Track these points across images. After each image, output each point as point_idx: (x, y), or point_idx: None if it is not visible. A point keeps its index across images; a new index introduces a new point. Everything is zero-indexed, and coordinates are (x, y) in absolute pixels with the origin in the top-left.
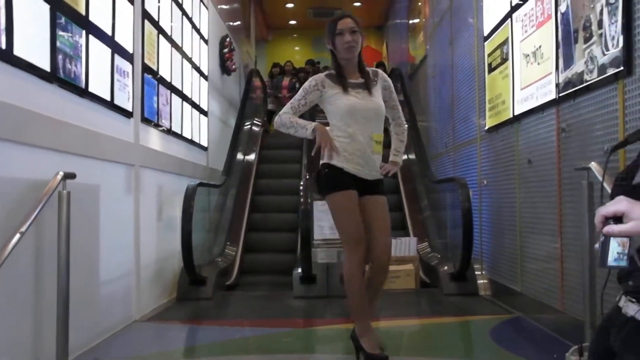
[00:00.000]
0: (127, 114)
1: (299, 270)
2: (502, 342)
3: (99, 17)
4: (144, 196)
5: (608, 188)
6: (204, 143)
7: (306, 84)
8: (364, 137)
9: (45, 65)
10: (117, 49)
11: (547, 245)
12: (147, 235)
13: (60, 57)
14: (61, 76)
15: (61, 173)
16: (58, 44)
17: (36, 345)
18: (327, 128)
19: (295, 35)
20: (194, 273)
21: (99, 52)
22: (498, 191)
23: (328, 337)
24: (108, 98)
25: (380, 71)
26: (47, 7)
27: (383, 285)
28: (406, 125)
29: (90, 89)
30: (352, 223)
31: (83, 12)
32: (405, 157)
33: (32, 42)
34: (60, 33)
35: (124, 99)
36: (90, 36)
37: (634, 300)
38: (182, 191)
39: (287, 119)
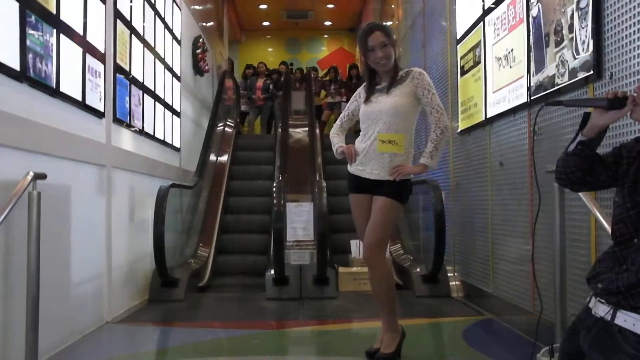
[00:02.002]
0: (99, 114)
1: (272, 272)
2: (474, 343)
3: (70, 15)
4: (115, 197)
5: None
6: (177, 144)
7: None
8: (369, 137)
9: (15, 64)
10: (88, 49)
11: (518, 247)
12: (118, 236)
13: (30, 56)
14: (31, 75)
15: (31, 173)
16: (28, 42)
17: (4, 347)
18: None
19: (268, 36)
20: (166, 275)
21: (70, 51)
22: (470, 193)
23: (301, 339)
24: (79, 98)
25: (415, 70)
26: (16, 5)
27: (381, 287)
28: (442, 126)
29: (62, 89)
30: (358, 226)
31: (54, 11)
32: None
33: (1, 40)
34: (30, 32)
35: (96, 99)
36: (61, 35)
37: (603, 301)
38: (155, 192)
39: (331, 136)
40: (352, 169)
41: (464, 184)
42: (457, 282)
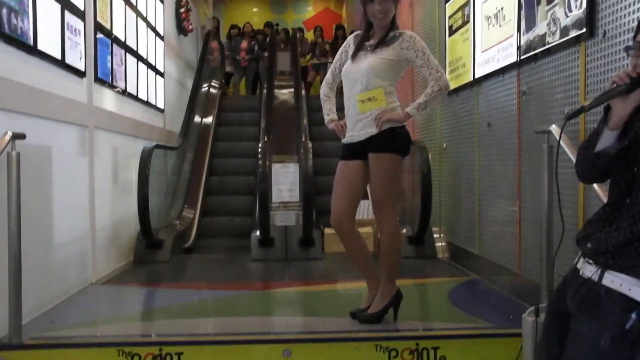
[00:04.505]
0: (80, 74)
1: (257, 233)
2: (459, 304)
3: None
4: (98, 158)
5: (568, 152)
6: (161, 105)
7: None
8: (351, 101)
9: None
10: (67, 5)
11: (505, 208)
12: (102, 198)
13: (4, 11)
14: (6, 32)
15: (10, 133)
16: None
17: None
18: None
19: None
20: (150, 236)
21: (47, 7)
22: (457, 154)
23: (286, 300)
24: (59, 57)
25: (406, 34)
26: None
27: (389, 247)
28: (443, 85)
29: (39, 47)
30: (334, 192)
31: None
32: None
33: None
34: None
35: (76, 58)
36: None
37: (591, 262)
38: (138, 154)
39: (322, 94)
40: (345, 139)
41: (451, 145)
42: (442, 244)
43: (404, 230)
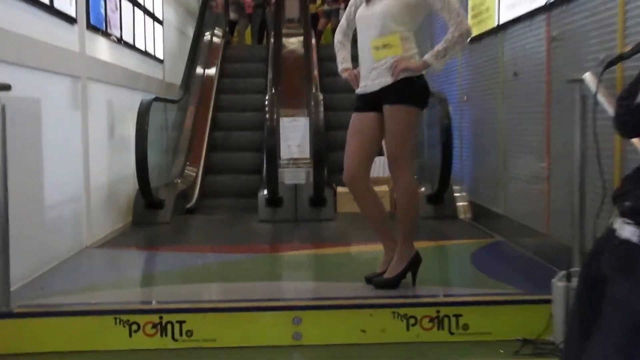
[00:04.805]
0: (70, 20)
1: (265, 192)
2: (483, 267)
3: None
4: (92, 112)
5: (603, 102)
6: (160, 55)
7: None
8: (365, 48)
9: None
10: None
11: (532, 164)
12: (97, 155)
13: None
14: None
15: None
16: None
17: None
18: None
19: None
20: (150, 195)
21: None
22: (480, 107)
23: (296, 264)
24: (47, 1)
25: None
26: None
27: (406, 206)
28: (464, 29)
29: None
30: (347, 146)
31: None
32: None
33: None
34: None
35: (66, 3)
36: None
37: (630, 222)
38: (136, 107)
39: (336, 41)
40: (358, 89)
41: (474, 96)
42: (464, 203)
43: (423, 189)
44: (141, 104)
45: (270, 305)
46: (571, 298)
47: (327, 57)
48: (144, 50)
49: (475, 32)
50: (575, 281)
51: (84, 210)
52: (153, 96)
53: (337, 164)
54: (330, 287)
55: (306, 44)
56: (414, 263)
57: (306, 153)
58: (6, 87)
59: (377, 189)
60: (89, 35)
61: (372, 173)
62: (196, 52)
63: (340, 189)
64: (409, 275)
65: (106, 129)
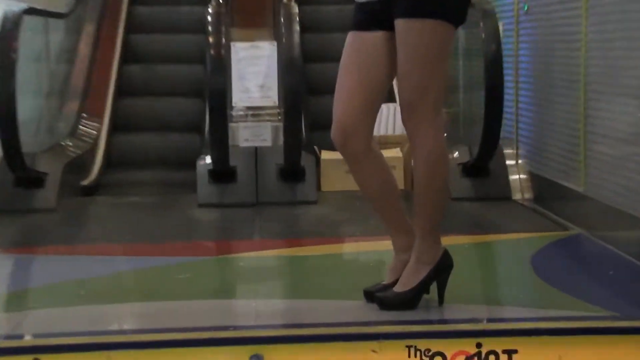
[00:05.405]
0: None
1: (207, 160)
2: (552, 276)
3: None
4: None
5: None
6: None
7: None
8: None
9: None
10: None
11: (631, 116)
12: None
13: None
14: None
15: None
16: None
17: None
18: None
19: None
20: (22, 166)
21: None
22: (549, 23)
23: (257, 272)
24: None
25: None
26: None
27: (429, 180)
28: None
29: None
30: (340, 82)
31: None
32: None
33: None
34: None
35: None
36: None
37: None
38: None
39: None
40: None
41: (538, 6)
42: (522, 176)
43: (455, 154)
44: (5, 18)
45: (216, 336)
46: None
47: None
48: None
49: None
50: None
51: None
52: (25, 6)
53: (322, 116)
54: (308, 307)
55: None
56: (441, 269)
57: (273, 98)
58: None
59: (384, 153)
60: None
61: (376, 129)
62: None
63: (326, 155)
64: (433, 288)
65: None
